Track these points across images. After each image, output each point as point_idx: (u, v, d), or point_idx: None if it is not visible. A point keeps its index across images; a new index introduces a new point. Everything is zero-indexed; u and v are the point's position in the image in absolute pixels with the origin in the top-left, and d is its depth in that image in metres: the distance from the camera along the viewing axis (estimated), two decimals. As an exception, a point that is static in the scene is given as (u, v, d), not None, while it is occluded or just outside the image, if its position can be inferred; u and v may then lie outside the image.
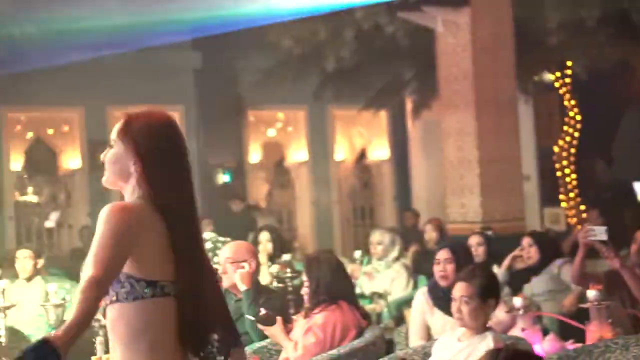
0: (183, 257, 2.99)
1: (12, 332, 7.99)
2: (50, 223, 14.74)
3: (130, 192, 3.07)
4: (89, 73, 13.22)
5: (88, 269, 2.83)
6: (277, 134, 16.46)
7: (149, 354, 2.95)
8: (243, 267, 5.82)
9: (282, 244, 8.82)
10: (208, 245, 7.69)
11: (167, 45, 13.12)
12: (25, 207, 14.47)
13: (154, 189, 3.01)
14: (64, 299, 7.65)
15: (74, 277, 10.53)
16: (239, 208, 14.11)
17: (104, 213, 2.93)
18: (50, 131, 14.27)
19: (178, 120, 14.78)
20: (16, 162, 13.91)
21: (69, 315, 2.84)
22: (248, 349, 5.53)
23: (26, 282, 8.49)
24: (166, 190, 3.03)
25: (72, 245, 13.96)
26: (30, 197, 14.69)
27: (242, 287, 5.74)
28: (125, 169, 3.06)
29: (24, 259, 8.56)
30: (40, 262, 8.59)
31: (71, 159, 14.31)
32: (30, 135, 14.13)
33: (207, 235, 8.62)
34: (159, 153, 3.06)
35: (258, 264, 6.11)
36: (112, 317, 2.98)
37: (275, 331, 5.37)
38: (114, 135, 3.11)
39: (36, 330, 8.13)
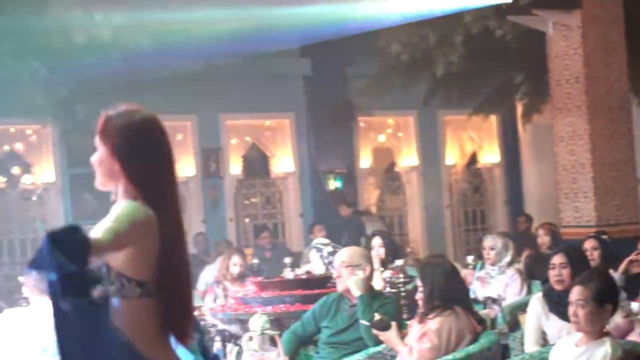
0: (172, 259, 2.94)
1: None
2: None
3: (122, 192, 2.98)
4: (201, 81, 13.48)
5: (96, 234, 2.73)
6: (387, 139, 16.46)
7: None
8: (357, 273, 5.87)
9: (394, 249, 8.85)
10: (327, 250, 7.74)
11: (276, 52, 13.31)
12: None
13: (141, 189, 2.93)
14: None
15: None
16: (347, 213, 14.18)
17: (129, 202, 2.91)
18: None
19: (288, 127, 15.08)
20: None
21: None
22: (363, 354, 5.59)
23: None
24: (153, 190, 2.94)
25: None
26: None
27: (357, 292, 5.80)
28: (110, 169, 3.00)
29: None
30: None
31: (185, 167, 14.58)
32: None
33: (320, 241, 8.71)
34: (138, 151, 2.96)
35: (372, 270, 6.17)
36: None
37: (390, 336, 5.40)
38: (97, 137, 3.04)
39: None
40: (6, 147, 13.47)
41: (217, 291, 9.01)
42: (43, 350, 7.06)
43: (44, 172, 13.61)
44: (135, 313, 2.89)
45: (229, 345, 5.43)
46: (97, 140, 3.03)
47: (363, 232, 12.86)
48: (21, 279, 8.92)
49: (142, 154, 2.97)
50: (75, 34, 11.66)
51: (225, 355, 5.36)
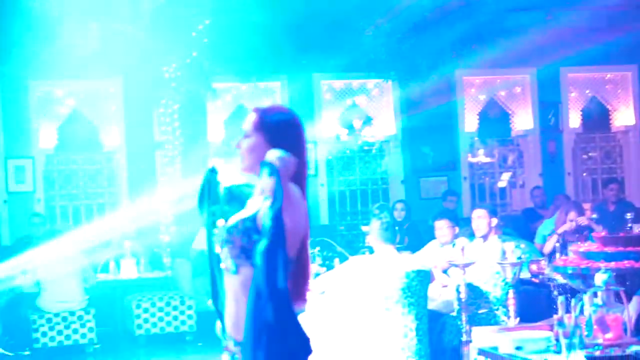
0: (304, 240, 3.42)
1: (471, 289, 8.30)
2: (502, 183, 15.04)
3: None
4: (542, 34, 13.25)
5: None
6: None
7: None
8: None
9: None
10: None
11: (618, 4, 12.81)
12: (477, 168, 14.88)
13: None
14: (519, 258, 7.81)
15: (528, 236, 10.70)
16: None
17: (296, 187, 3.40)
18: (502, 93, 14.52)
19: (630, 80, 14.42)
20: (470, 124, 14.31)
21: None
22: None
23: (482, 241, 8.76)
24: (297, 177, 3.40)
25: (524, 205, 14.13)
26: (482, 158, 15.06)
27: None
28: (262, 157, 3.38)
29: (478, 219, 8.85)
30: (494, 221, 8.81)
31: (523, 121, 14.47)
32: (482, 97, 14.46)
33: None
34: (289, 143, 3.42)
35: None
36: (247, 278, 3.34)
37: None
38: (249, 126, 3.51)
39: (493, 287, 8.38)
40: (349, 101, 13.96)
41: (556, 245, 8.91)
42: (390, 297, 7.33)
43: (385, 124, 13.99)
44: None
45: (572, 300, 5.35)
46: (250, 130, 3.51)
47: None
48: (364, 229, 9.28)
49: (292, 145, 3.43)
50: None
51: (568, 310, 5.30)
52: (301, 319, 3.37)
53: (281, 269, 3.19)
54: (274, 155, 3.29)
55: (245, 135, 3.53)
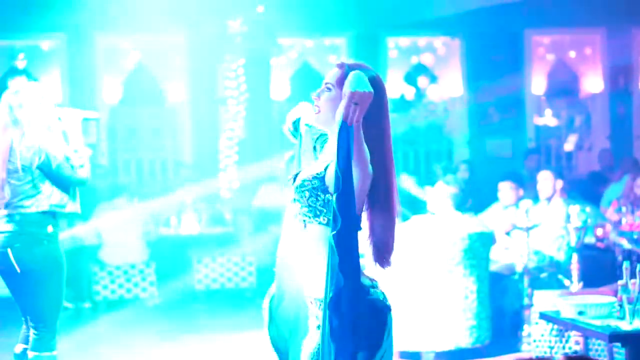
0: (379, 201, 3.43)
1: (534, 252, 8.19)
2: (569, 146, 14.80)
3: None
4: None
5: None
6: None
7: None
8: None
9: None
10: None
11: None
12: (544, 130, 14.65)
13: (366, 134, 3.30)
14: (585, 222, 7.68)
15: (594, 200, 10.52)
16: None
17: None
18: (572, 54, 14.23)
19: None
20: (537, 85, 14.08)
21: None
22: None
23: (547, 203, 8.64)
24: (375, 135, 3.37)
25: (591, 168, 13.90)
26: (549, 120, 14.83)
27: None
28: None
29: (544, 181, 8.73)
30: (559, 184, 8.68)
31: (592, 82, 14.19)
32: (551, 57, 14.20)
33: None
34: (372, 104, 3.29)
35: None
36: (318, 235, 3.41)
37: None
38: (332, 79, 3.47)
39: (557, 251, 8.25)
40: (414, 59, 13.81)
41: (624, 210, 8.74)
42: (451, 258, 7.25)
43: (451, 84, 13.82)
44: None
45: (637, 266, 5.22)
46: (332, 84, 3.47)
47: None
48: (427, 189, 9.19)
49: (375, 104, 3.32)
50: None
51: (632, 276, 5.18)
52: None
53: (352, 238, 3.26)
54: (348, 87, 3.23)
55: (327, 88, 3.50)
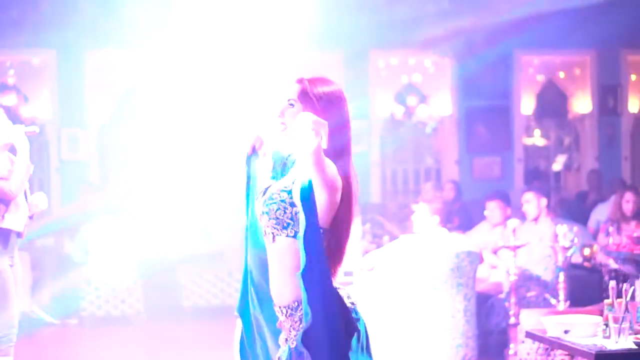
0: (343, 214, 3.44)
1: (521, 271, 8.20)
2: (557, 166, 14.84)
3: None
4: (602, 14, 13.03)
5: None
6: None
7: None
8: None
9: None
10: None
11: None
12: (532, 150, 14.68)
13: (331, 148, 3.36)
14: (572, 241, 7.69)
15: (581, 220, 10.53)
16: None
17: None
18: (561, 74, 14.27)
19: None
20: (526, 105, 14.11)
21: None
22: None
23: (534, 223, 8.65)
24: (339, 150, 3.44)
25: (579, 189, 13.94)
26: (538, 140, 14.87)
27: None
28: None
29: (527, 203, 8.77)
30: (543, 202, 8.70)
31: (581, 103, 14.23)
32: (540, 78, 14.23)
33: None
34: (333, 118, 3.42)
35: None
36: (283, 247, 3.46)
37: None
38: (293, 95, 3.51)
39: (544, 270, 8.27)
40: (405, 78, 13.82)
41: (610, 230, 8.76)
42: (438, 277, 7.25)
43: (440, 103, 13.84)
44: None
45: (623, 285, 5.23)
46: (295, 100, 3.52)
47: None
48: (414, 207, 9.19)
49: (336, 118, 3.45)
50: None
51: (619, 295, 5.19)
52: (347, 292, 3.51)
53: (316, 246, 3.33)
54: (306, 119, 3.23)
55: (290, 104, 3.55)
